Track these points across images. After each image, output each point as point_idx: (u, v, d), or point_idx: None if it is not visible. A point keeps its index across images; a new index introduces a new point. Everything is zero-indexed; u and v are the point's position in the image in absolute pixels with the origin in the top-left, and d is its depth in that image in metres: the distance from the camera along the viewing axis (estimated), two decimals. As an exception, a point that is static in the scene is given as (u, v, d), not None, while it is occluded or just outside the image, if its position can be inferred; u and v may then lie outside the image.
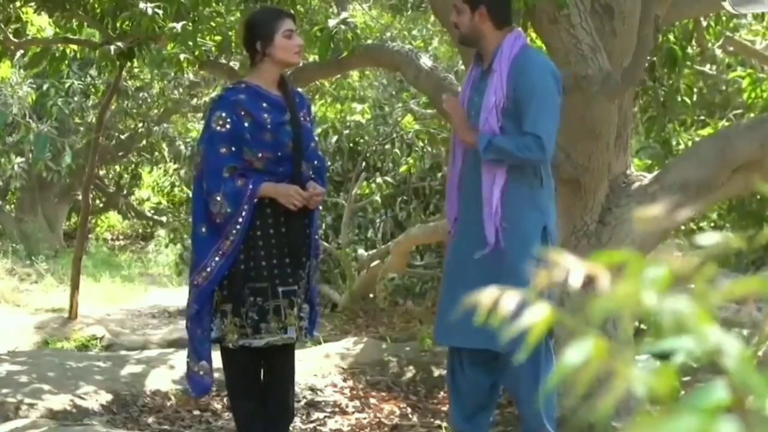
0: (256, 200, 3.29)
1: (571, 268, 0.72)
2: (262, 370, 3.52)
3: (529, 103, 3.18)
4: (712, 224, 6.13)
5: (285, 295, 3.33)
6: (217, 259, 3.28)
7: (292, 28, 3.38)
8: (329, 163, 8.41)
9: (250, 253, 3.31)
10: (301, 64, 6.78)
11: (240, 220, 3.26)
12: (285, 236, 3.35)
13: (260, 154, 3.31)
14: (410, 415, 4.73)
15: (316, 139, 3.60)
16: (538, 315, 0.71)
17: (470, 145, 3.24)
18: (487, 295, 0.75)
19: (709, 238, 0.71)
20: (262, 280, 3.32)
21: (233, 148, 3.30)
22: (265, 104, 3.35)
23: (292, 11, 3.68)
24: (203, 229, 3.33)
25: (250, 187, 3.27)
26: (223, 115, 3.32)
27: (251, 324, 3.31)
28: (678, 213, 0.72)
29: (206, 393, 3.59)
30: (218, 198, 3.26)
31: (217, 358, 3.63)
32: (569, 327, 0.70)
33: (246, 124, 3.30)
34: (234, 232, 3.26)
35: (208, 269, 3.28)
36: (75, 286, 7.40)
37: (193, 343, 3.41)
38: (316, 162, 3.49)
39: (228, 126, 3.30)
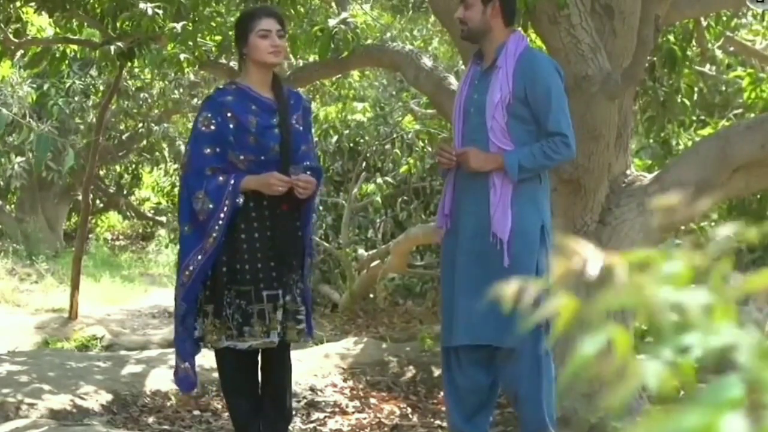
0: (240, 201, 3.27)
1: (590, 257, 0.71)
2: (260, 370, 3.52)
3: (547, 103, 3.21)
4: (713, 224, 6.12)
5: (269, 299, 3.32)
6: (199, 257, 3.28)
7: (268, 28, 3.33)
8: (329, 163, 8.41)
9: (235, 255, 3.30)
10: (301, 64, 6.79)
11: (221, 215, 3.24)
12: (271, 239, 3.34)
13: (242, 157, 3.30)
14: (410, 415, 4.73)
15: (314, 141, 3.57)
16: (560, 304, 0.71)
17: (499, 170, 3.23)
18: (510, 288, 0.74)
19: (723, 231, 0.71)
20: (245, 284, 3.30)
21: (217, 149, 3.30)
22: (254, 106, 3.34)
23: (276, 11, 3.64)
24: (186, 228, 3.33)
25: (231, 182, 3.26)
26: (209, 116, 3.32)
27: (236, 326, 3.31)
28: (694, 205, 0.72)
29: (192, 390, 3.61)
30: (200, 196, 3.26)
31: (212, 357, 3.65)
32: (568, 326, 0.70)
33: (231, 126, 3.30)
34: (216, 228, 3.25)
35: (191, 268, 3.29)
36: (75, 286, 7.40)
37: (176, 341, 3.43)
38: (307, 163, 3.43)
39: (213, 127, 3.30)
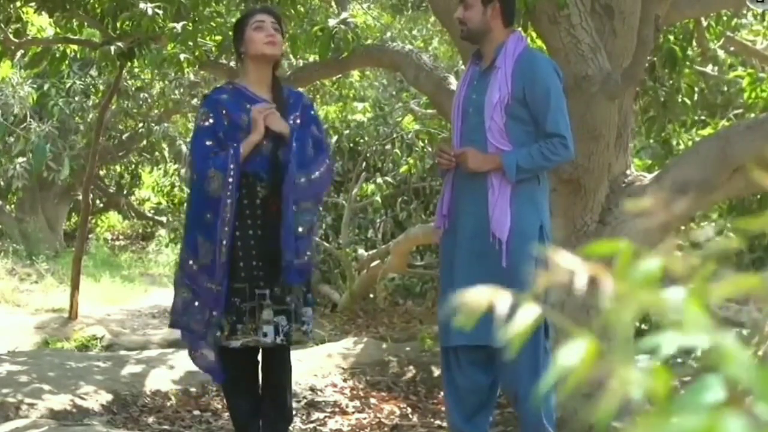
0: (236, 196, 3.28)
1: (574, 269, 0.71)
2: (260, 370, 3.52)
3: (546, 104, 3.21)
4: (713, 224, 6.12)
5: (260, 297, 3.33)
6: (226, 229, 3.29)
7: (263, 20, 3.40)
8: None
9: (231, 253, 3.31)
10: (301, 64, 6.79)
11: (230, 180, 3.28)
12: (262, 238, 3.34)
13: None
14: (410, 415, 4.73)
15: (322, 131, 3.56)
16: (529, 315, 0.71)
17: (497, 170, 3.23)
18: (479, 294, 0.74)
19: (705, 233, 0.71)
20: (240, 281, 3.32)
21: (217, 141, 3.36)
22: (249, 106, 3.37)
23: (271, 8, 3.69)
24: (208, 215, 3.32)
25: (232, 150, 3.31)
26: (206, 110, 3.40)
27: (230, 325, 3.32)
28: (673, 206, 0.71)
29: (222, 379, 3.57)
30: (212, 174, 3.30)
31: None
32: (566, 327, 0.70)
33: (225, 123, 3.36)
34: (229, 194, 3.29)
35: (224, 242, 3.28)
36: (75, 286, 7.40)
37: (210, 328, 3.35)
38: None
39: (211, 120, 3.38)
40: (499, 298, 0.73)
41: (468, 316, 0.74)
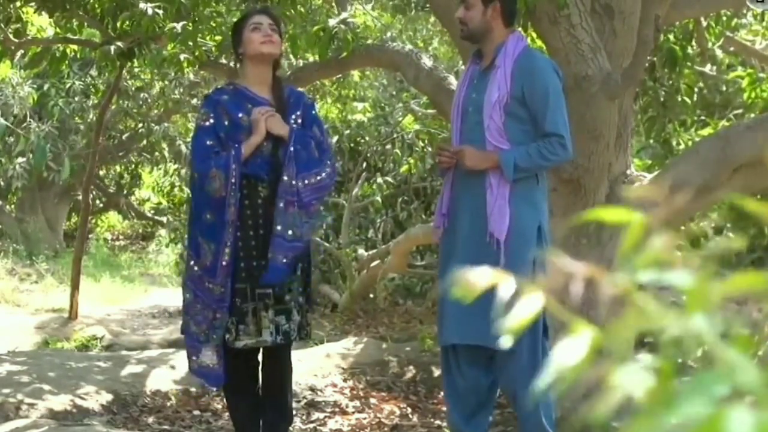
0: (239, 195, 3.29)
1: (573, 272, 0.71)
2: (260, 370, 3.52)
3: (544, 104, 3.21)
4: (712, 225, 6.12)
5: (261, 297, 3.34)
6: (230, 230, 3.29)
7: (260, 21, 3.42)
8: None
9: (232, 253, 3.31)
10: (301, 64, 6.79)
11: (233, 180, 3.28)
12: (263, 238, 3.35)
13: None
14: (410, 415, 4.73)
15: (323, 132, 3.56)
16: (532, 306, 0.70)
17: (495, 169, 3.22)
18: (480, 274, 0.73)
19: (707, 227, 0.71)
20: (241, 281, 3.33)
21: (217, 141, 3.37)
22: (250, 105, 3.38)
23: (268, 9, 3.72)
24: (209, 216, 3.33)
25: (233, 151, 3.32)
26: (207, 111, 3.42)
27: (233, 325, 3.32)
28: (673, 201, 0.71)
29: (221, 383, 3.57)
30: (213, 173, 3.30)
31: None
32: (567, 322, 0.69)
33: (226, 123, 3.37)
34: (232, 194, 3.29)
35: (228, 243, 3.28)
36: (75, 286, 7.40)
37: (214, 330, 3.35)
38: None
39: (211, 120, 3.39)
40: (502, 281, 0.72)
41: (466, 292, 0.73)
